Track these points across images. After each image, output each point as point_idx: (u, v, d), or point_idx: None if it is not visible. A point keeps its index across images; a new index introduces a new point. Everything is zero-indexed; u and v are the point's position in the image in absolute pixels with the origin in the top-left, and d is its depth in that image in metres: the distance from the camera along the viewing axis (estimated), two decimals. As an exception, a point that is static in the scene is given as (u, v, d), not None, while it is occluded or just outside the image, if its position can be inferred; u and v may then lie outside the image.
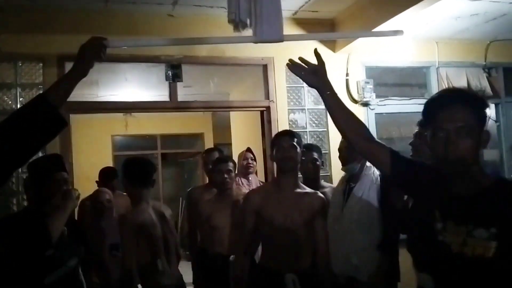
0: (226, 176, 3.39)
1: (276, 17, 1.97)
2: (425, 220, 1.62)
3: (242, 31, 2.01)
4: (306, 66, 1.85)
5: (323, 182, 3.60)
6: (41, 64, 3.86)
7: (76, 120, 7.36)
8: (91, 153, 8.10)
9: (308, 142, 4.40)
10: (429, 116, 1.57)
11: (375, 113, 4.75)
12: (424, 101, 1.68)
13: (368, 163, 3.04)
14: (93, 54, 1.63)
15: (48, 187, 2.35)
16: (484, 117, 1.52)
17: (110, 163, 8.36)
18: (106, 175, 4.41)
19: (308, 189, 2.67)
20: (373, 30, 4.01)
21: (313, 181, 3.35)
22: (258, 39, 1.97)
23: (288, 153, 2.57)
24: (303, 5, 4.20)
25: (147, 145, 9.35)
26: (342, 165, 3.16)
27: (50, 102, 1.52)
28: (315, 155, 3.44)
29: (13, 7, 3.79)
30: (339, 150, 3.18)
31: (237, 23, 1.98)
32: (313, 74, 1.84)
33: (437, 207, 1.58)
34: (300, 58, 1.88)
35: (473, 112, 1.49)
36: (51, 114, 1.52)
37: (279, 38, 1.98)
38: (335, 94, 1.83)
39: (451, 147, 1.47)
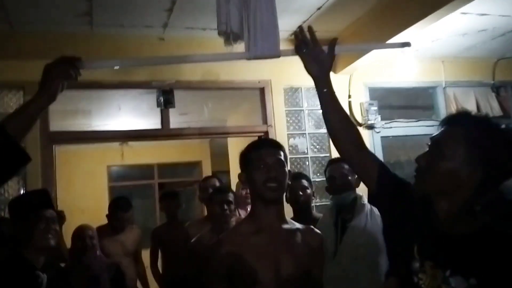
0: (225, 208, 3.08)
1: (272, 30, 1.71)
2: (402, 255, 1.41)
3: (235, 44, 1.75)
4: (312, 45, 1.57)
5: (315, 213, 3.30)
6: (21, 92, 3.64)
7: (70, 152, 7.13)
8: (86, 184, 7.86)
9: (297, 171, 4.09)
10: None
11: (381, 136, 4.57)
12: (432, 122, 1.45)
13: (360, 192, 2.76)
14: (61, 74, 1.37)
15: (33, 226, 2.06)
16: (486, 147, 1.27)
17: (105, 194, 8.11)
18: (118, 206, 3.89)
19: (298, 224, 1.87)
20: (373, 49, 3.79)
21: (305, 212, 3.05)
22: (252, 54, 1.70)
23: (275, 172, 1.73)
24: (301, 25, 3.99)
25: (144, 175, 9.10)
26: (333, 193, 2.85)
27: (9, 134, 1.26)
28: (305, 183, 3.14)
29: (-9, 32, 3.59)
30: (331, 178, 2.83)
31: (228, 35, 1.72)
32: (316, 62, 1.57)
33: (417, 241, 1.37)
34: (310, 30, 1.59)
35: (466, 139, 1.29)
36: (10, 149, 1.25)
37: (276, 53, 1.71)
38: (333, 93, 1.58)
39: (423, 164, 1.32)
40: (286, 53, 1.73)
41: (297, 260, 1.73)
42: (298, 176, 3.22)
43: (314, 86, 1.60)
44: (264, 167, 1.73)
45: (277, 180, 1.73)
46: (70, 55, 1.43)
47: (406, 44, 1.92)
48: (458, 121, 1.34)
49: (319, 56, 1.57)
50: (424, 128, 4.48)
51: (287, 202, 3.16)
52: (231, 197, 3.13)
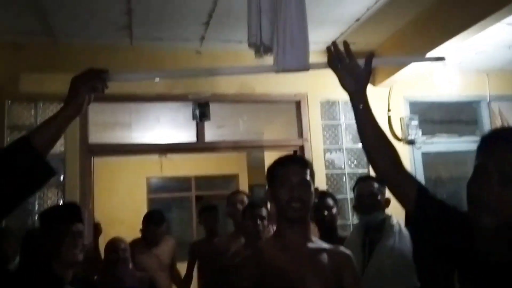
0: (258, 223, 3.03)
1: (301, 43, 1.66)
2: (440, 281, 1.33)
3: (265, 56, 1.71)
4: (347, 60, 1.49)
5: (342, 232, 3.19)
6: (62, 105, 3.68)
7: (110, 163, 7.27)
8: (126, 195, 7.98)
9: (323, 189, 3.98)
10: (476, 154, 1.24)
11: (422, 152, 4.41)
12: (475, 138, 1.31)
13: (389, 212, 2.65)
14: (88, 87, 1.36)
15: (60, 240, 2.06)
16: None
17: (144, 206, 8.20)
18: (151, 220, 3.88)
19: (324, 244, 1.81)
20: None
21: (330, 231, 2.97)
22: (280, 67, 1.65)
23: (299, 192, 1.69)
24: (339, 37, 3.92)
25: (181, 187, 9.17)
26: (362, 213, 2.74)
27: (34, 147, 1.26)
28: (330, 201, 3.06)
29: (34, 45, 3.72)
30: (360, 196, 2.72)
31: (259, 47, 1.69)
32: (352, 76, 1.49)
33: (457, 268, 1.28)
34: (346, 44, 1.51)
35: None
36: (35, 162, 1.25)
37: (305, 66, 1.65)
38: (370, 109, 1.49)
39: (488, 196, 1.15)
40: (316, 66, 1.68)
41: (324, 280, 1.66)
42: (324, 195, 3.15)
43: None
44: (289, 185, 1.69)
45: (301, 200, 1.69)
46: (99, 67, 1.43)
47: (440, 59, 1.86)
48: None
49: (354, 70, 1.49)
50: (467, 144, 4.29)
51: (312, 220, 3.10)
52: (264, 212, 3.08)
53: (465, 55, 4.15)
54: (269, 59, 1.74)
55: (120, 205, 7.58)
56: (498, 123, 4.61)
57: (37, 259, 2.16)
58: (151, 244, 3.86)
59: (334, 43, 1.53)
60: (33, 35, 3.65)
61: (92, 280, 3.03)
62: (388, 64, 3.80)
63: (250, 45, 1.71)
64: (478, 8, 3.20)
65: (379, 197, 2.66)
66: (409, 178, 1.44)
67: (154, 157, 8.05)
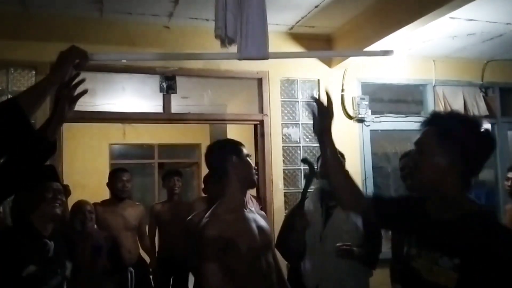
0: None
1: (261, 34, 1.95)
2: (403, 246, 1.63)
3: (229, 47, 1.99)
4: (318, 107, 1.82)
5: None
6: (33, 72, 3.85)
7: (73, 128, 7.31)
8: (87, 161, 8.02)
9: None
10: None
11: (370, 130, 4.72)
12: (420, 118, 1.74)
13: None
14: (71, 61, 1.61)
15: (41, 196, 2.23)
16: (458, 139, 1.48)
17: (106, 172, 8.22)
18: (118, 170, 4.30)
19: (253, 209, 2.37)
20: (365, 49, 4.04)
21: None
22: (242, 56, 1.94)
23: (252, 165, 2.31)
24: (300, 20, 4.19)
25: (144, 154, 9.29)
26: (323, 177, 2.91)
27: (22, 107, 1.45)
28: None
29: (6, 13, 3.79)
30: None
31: (224, 39, 1.96)
32: (320, 121, 1.82)
33: (415, 232, 1.57)
34: (314, 98, 1.87)
35: (440, 134, 1.49)
36: (21, 124, 1.45)
37: (263, 55, 1.95)
38: (336, 155, 1.81)
39: (415, 170, 1.55)
40: (273, 56, 1.96)
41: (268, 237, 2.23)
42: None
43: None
44: (248, 160, 2.27)
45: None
46: (81, 47, 1.64)
47: (389, 53, 2.16)
48: (433, 122, 1.56)
49: (321, 114, 1.81)
50: (412, 124, 4.62)
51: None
52: None
53: (414, 43, 4.49)
54: (232, 47, 2.03)
55: (82, 170, 7.62)
56: (441, 105, 5.00)
57: (19, 216, 2.36)
58: (117, 197, 4.12)
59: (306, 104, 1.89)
60: (4, 3, 3.71)
61: (72, 235, 3.25)
62: (341, 56, 4.11)
63: (216, 36, 1.97)
64: (424, 3, 3.50)
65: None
66: (367, 200, 1.81)
67: (117, 124, 8.11)
